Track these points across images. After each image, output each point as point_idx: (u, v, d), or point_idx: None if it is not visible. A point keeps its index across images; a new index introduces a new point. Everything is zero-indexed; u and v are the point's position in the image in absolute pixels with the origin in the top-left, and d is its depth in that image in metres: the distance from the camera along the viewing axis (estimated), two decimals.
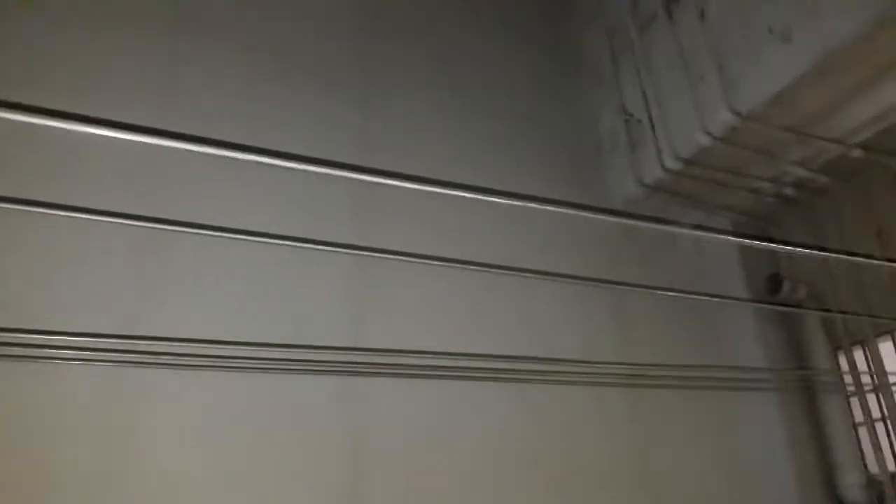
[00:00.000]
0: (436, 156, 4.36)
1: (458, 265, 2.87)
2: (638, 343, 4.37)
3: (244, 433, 3.22)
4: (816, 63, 3.41)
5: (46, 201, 1.83)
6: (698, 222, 4.99)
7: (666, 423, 4.22)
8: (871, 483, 4.13)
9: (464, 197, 1.65)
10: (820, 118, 3.89)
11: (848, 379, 4.45)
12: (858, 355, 4.51)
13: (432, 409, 3.64)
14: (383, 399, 3.55)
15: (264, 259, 3.56)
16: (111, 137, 1.25)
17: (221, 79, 3.93)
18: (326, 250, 2.95)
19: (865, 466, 4.27)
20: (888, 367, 4.27)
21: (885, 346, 4.41)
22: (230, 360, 3.22)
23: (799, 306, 4.61)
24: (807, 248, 2.64)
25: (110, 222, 2.68)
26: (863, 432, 4.31)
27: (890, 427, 4.12)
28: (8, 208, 1.88)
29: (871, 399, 4.30)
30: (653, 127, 4.44)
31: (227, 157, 1.35)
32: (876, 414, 4.26)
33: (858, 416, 4.35)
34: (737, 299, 4.70)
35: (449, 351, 3.71)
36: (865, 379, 4.37)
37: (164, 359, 3.14)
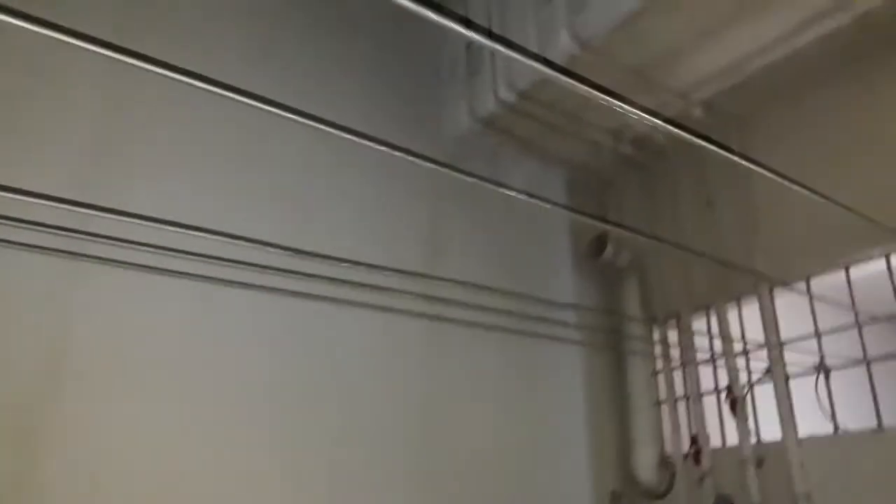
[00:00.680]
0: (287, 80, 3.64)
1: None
2: (446, 268, 3.85)
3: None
4: None
5: None
6: (532, 172, 4.58)
7: (464, 366, 3.75)
8: (665, 463, 3.92)
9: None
10: (665, 63, 3.52)
11: (659, 353, 4.23)
12: (674, 333, 4.30)
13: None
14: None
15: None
16: None
17: None
18: None
19: (664, 445, 4.07)
20: (699, 345, 4.06)
21: (700, 323, 4.21)
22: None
23: (619, 272, 4.32)
24: (620, 227, 2.19)
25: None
26: (666, 411, 4.10)
27: (691, 406, 3.90)
28: None
29: (678, 376, 4.09)
30: (493, 52, 3.90)
31: None
32: (680, 392, 4.05)
33: (665, 393, 4.14)
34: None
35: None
36: (676, 355, 4.16)
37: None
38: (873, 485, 3.08)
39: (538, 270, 4.33)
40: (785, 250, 3.69)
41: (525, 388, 3.96)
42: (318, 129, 1.24)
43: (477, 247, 4.10)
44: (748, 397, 3.63)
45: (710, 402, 3.90)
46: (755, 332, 3.72)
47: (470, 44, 4.20)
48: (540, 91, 3.74)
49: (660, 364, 4.18)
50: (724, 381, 3.75)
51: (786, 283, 3.61)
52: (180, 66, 1.07)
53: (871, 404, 3.22)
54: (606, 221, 2.23)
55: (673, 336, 4.29)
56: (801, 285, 3.60)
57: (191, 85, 1.09)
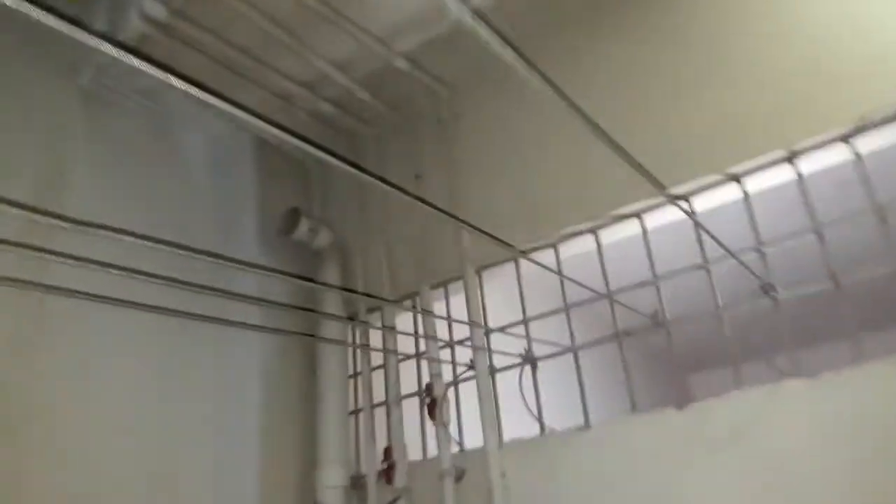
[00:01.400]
0: None
1: None
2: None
3: None
4: None
5: None
6: (218, 131, 3.69)
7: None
8: (356, 483, 3.21)
9: None
10: None
11: (359, 352, 3.54)
12: (377, 329, 3.64)
13: None
14: None
15: None
16: None
17: None
18: None
19: (358, 462, 3.36)
20: (402, 344, 3.44)
21: (406, 316, 3.61)
22: None
23: (317, 254, 3.58)
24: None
25: None
26: (363, 420, 3.40)
27: (390, 413, 3.25)
28: None
29: (378, 379, 3.42)
30: None
31: None
32: (379, 398, 3.39)
33: (363, 400, 3.43)
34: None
35: None
36: (377, 357, 3.49)
37: None
38: (577, 492, 2.66)
39: (214, 243, 3.42)
40: (494, 228, 3.22)
41: (175, 387, 3.02)
42: None
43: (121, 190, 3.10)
44: (450, 398, 3.08)
45: (412, 408, 3.29)
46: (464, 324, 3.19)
47: None
48: (205, 13, 2.88)
49: (360, 365, 3.49)
50: (426, 381, 3.16)
51: (492, 265, 3.15)
52: None
53: (578, 400, 2.82)
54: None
55: (376, 332, 3.65)
56: (510, 267, 3.17)
57: None
